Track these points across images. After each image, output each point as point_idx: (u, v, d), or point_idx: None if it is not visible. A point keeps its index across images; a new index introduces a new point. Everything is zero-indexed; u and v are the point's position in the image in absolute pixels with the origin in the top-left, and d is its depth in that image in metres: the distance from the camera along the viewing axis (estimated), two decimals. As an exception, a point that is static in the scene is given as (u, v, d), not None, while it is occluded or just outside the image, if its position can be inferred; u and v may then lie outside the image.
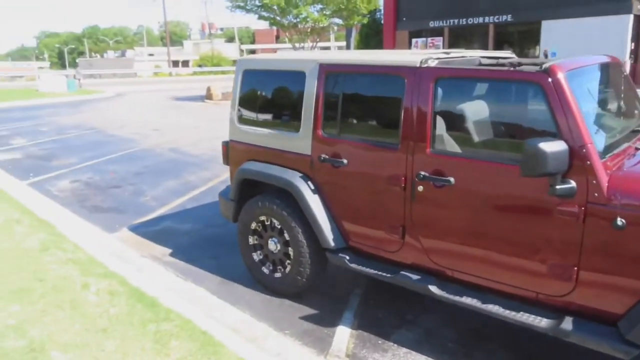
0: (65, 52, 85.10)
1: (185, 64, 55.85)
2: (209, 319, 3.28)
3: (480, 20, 21.37)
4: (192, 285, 3.89)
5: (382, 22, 24.05)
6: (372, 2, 22.65)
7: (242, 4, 22.22)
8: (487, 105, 2.81)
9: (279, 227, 3.56)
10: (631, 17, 17.63)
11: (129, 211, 5.89)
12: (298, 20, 22.38)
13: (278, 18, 22.63)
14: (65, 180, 7.41)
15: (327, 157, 3.28)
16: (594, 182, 2.32)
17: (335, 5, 21.57)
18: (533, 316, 2.55)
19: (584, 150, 2.34)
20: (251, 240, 3.79)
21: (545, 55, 16.86)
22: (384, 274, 3.08)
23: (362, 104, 3.32)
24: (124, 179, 7.43)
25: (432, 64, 2.88)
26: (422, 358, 2.95)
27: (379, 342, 3.12)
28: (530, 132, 2.61)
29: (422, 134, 2.84)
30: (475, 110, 2.81)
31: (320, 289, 3.77)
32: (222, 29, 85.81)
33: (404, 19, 23.51)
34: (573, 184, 2.36)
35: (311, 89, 3.36)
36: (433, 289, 2.85)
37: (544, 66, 2.46)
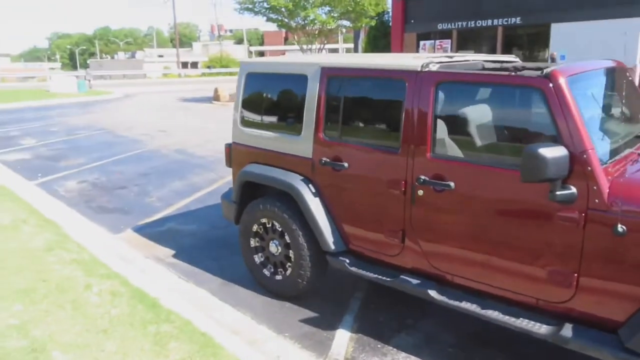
0: (77, 53, 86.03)
1: (194, 65, 56.14)
2: (210, 320, 3.29)
3: (489, 22, 21.24)
4: (193, 287, 3.91)
5: (390, 24, 23.99)
6: (380, 4, 22.62)
7: (250, 6, 22.30)
8: (487, 110, 2.80)
9: (280, 229, 3.57)
10: (643, 20, 17.43)
11: (134, 212, 5.93)
12: (306, 22, 22.42)
13: (286, 20, 22.67)
14: (73, 180, 7.48)
15: (328, 160, 3.29)
16: (595, 188, 2.31)
17: (343, 7, 21.57)
18: (533, 322, 2.54)
19: (585, 155, 2.32)
20: (252, 242, 3.80)
21: (552, 59, 16.69)
22: (384, 278, 3.07)
23: (363, 108, 3.32)
24: (130, 180, 7.48)
25: (433, 68, 2.87)
26: (421, 363, 2.95)
27: (379, 346, 3.12)
28: (531, 137, 2.60)
29: (422, 138, 2.83)
30: (476, 115, 2.80)
31: (320, 292, 3.77)
32: (231, 31, 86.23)
33: (412, 21, 23.43)
34: (573, 189, 2.34)
35: (313, 92, 3.36)
36: (433, 293, 2.84)
37: (545, 71, 2.45)
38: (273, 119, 3.83)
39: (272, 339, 3.16)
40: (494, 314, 2.63)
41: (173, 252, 4.68)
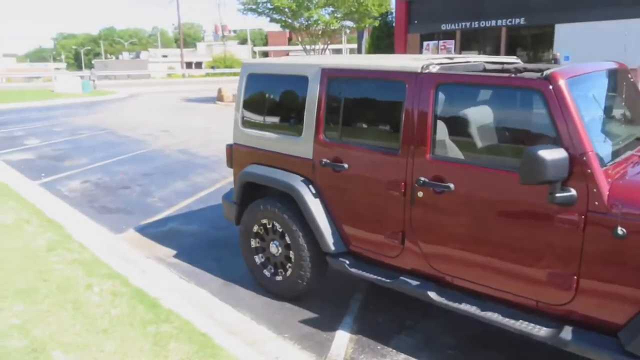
0: (82, 54, 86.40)
1: (198, 65, 56.29)
2: (209, 320, 3.30)
3: (493, 23, 21.16)
4: (194, 287, 3.92)
5: (394, 25, 23.96)
6: (383, 5, 22.62)
7: (253, 7, 22.34)
8: (487, 112, 2.80)
9: (281, 230, 3.57)
10: (649, 20, 17.33)
11: (136, 212, 5.95)
12: (309, 22, 22.44)
13: (289, 20, 22.71)
14: (76, 180, 7.51)
15: (328, 161, 3.29)
16: (595, 190, 2.30)
17: (346, 8, 21.59)
18: (532, 324, 2.53)
19: (585, 158, 2.31)
20: (253, 243, 3.81)
21: (555, 60, 16.59)
22: (384, 279, 3.07)
23: (363, 109, 3.32)
24: (133, 180, 7.51)
25: (434, 69, 2.87)
26: (420, 364, 2.94)
27: (378, 347, 3.11)
28: (531, 139, 2.59)
29: (422, 139, 2.83)
30: (476, 116, 2.79)
31: (320, 293, 3.77)
32: (235, 31, 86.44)
33: (416, 21, 23.38)
34: (573, 192, 2.33)
35: (313, 94, 3.37)
36: (432, 295, 2.84)
37: (545, 73, 2.44)
38: (274, 120, 3.84)
39: (271, 339, 3.16)
40: (493, 316, 2.62)
41: (174, 252, 4.70)
